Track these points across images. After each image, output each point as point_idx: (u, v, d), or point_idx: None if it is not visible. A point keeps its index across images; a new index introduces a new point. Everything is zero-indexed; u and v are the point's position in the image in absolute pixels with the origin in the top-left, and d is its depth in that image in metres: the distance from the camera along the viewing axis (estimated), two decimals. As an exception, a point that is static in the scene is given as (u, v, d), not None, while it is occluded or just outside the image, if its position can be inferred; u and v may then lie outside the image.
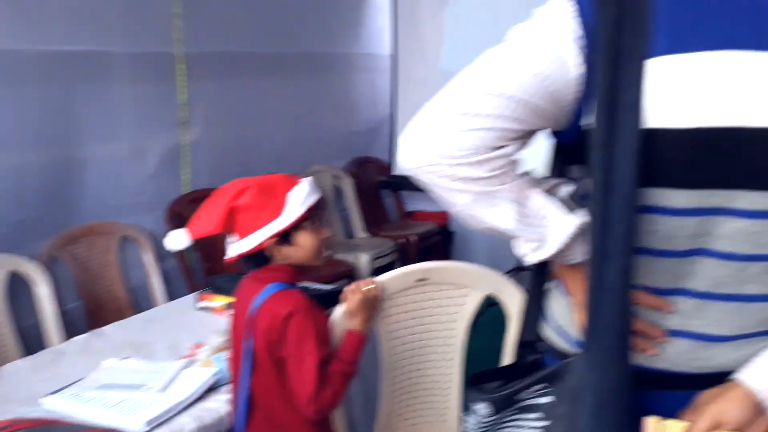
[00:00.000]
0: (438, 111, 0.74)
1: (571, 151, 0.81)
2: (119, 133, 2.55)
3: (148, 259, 2.61)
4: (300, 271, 1.36)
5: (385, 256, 3.37)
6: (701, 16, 0.67)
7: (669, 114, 0.67)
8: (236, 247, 1.31)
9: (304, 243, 1.32)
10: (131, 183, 2.64)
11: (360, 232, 3.69)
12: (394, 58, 3.99)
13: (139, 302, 2.59)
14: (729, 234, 0.71)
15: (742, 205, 0.70)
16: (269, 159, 3.20)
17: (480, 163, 0.72)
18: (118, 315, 2.25)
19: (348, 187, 3.71)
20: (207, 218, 1.32)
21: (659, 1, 0.68)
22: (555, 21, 0.72)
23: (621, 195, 0.68)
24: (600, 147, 0.68)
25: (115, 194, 2.56)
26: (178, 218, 2.59)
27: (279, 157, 3.26)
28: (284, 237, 1.31)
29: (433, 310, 1.50)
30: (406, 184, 4.02)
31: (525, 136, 0.75)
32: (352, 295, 1.33)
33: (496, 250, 4.18)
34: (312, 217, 1.34)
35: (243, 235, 1.30)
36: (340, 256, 3.22)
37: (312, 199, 1.34)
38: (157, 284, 2.61)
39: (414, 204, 4.18)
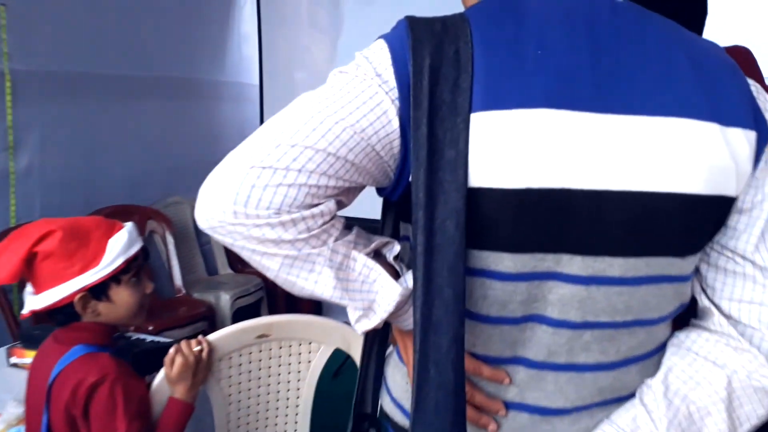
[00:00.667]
0: (238, 162, 0.63)
1: (400, 207, 0.74)
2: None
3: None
4: (111, 330, 1.18)
5: (249, 294, 3.18)
6: (518, 72, 0.63)
7: (493, 173, 0.62)
8: (33, 302, 1.11)
9: (121, 300, 1.15)
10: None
11: (223, 268, 3.47)
12: (261, 86, 3.86)
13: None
14: (560, 300, 0.67)
15: (571, 270, 0.66)
16: (119, 189, 2.92)
17: (289, 223, 0.62)
18: None
19: (211, 220, 3.48)
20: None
21: (476, 54, 0.63)
22: (372, 68, 0.65)
23: (446, 258, 0.62)
24: (421, 207, 0.62)
25: None
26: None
27: (131, 188, 2.99)
28: (97, 291, 1.12)
29: (277, 369, 1.37)
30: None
31: (345, 193, 0.66)
32: (177, 356, 1.17)
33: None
34: (132, 269, 1.17)
35: (42, 287, 1.10)
36: (199, 295, 2.99)
37: (133, 250, 1.17)
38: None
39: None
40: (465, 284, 0.63)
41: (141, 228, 2.96)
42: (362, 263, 0.68)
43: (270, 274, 0.68)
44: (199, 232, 3.42)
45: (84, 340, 1.12)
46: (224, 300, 3.01)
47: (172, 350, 1.18)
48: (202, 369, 1.20)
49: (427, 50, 0.62)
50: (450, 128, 0.62)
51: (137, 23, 2.98)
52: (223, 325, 3.13)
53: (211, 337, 1.26)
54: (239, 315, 3.06)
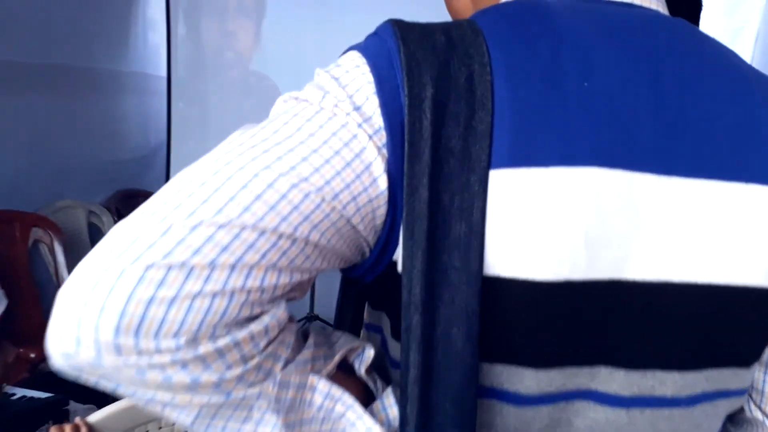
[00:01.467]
0: (124, 257, 0.39)
1: (373, 289, 0.55)
2: None
3: None
4: None
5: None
6: (559, 111, 0.45)
7: (519, 258, 0.44)
8: None
9: None
10: None
11: (122, 280, 3.12)
12: (169, 79, 3.52)
13: None
14: (590, 428, 0.50)
15: (610, 387, 0.49)
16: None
17: (213, 356, 0.40)
18: None
19: (109, 225, 3.12)
20: None
21: (497, 82, 0.44)
22: (348, 97, 0.44)
23: (451, 385, 0.44)
24: (416, 309, 0.43)
25: None
26: None
27: (10, 191, 2.60)
28: None
29: None
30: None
31: (299, 286, 0.45)
32: None
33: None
34: None
35: None
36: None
37: None
38: None
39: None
40: (476, 422, 0.45)
41: (24, 236, 2.58)
42: (324, 394, 0.47)
43: (179, 425, 0.45)
44: (94, 240, 3.06)
45: None
46: (123, 317, 2.69)
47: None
48: None
49: (428, 74, 0.43)
50: (460, 191, 0.43)
51: (22, 2, 2.59)
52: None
53: (93, 417, 1.02)
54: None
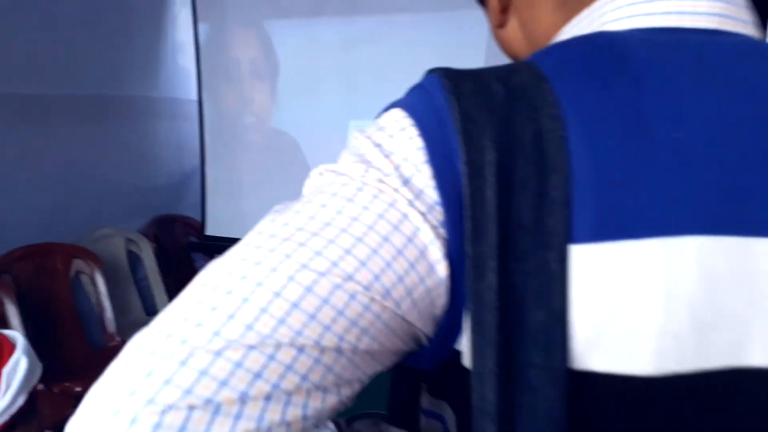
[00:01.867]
0: (130, 404, 0.31)
1: (431, 377, 0.45)
2: None
3: None
4: None
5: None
6: (649, 169, 0.36)
7: (611, 349, 0.36)
8: None
9: None
10: None
11: (162, 305, 3.08)
12: (200, 103, 3.51)
13: None
14: None
15: None
16: (32, 226, 2.51)
17: None
18: None
19: (147, 252, 3.10)
20: None
21: (572, 137, 0.36)
22: (394, 168, 0.36)
23: None
24: (489, 417, 0.35)
25: None
26: None
27: (48, 223, 2.59)
28: None
29: None
30: (223, 245, 3.49)
31: (347, 400, 0.37)
32: None
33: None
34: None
35: None
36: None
37: (35, 379, 0.80)
38: None
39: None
40: None
41: (66, 268, 2.56)
42: None
43: None
44: (134, 267, 3.04)
45: None
46: (166, 345, 2.64)
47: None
48: None
49: (487, 135, 0.35)
50: (536, 273, 0.35)
51: (52, 35, 2.60)
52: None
53: None
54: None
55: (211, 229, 3.49)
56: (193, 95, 3.60)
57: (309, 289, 0.33)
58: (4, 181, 2.42)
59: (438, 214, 0.36)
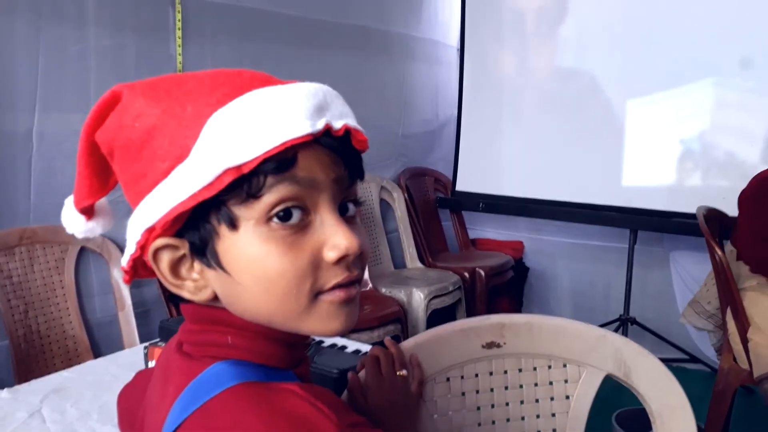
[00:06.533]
0: None
1: None
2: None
3: (118, 281, 1.85)
4: (279, 337, 0.48)
5: (446, 294, 2.52)
6: None
7: None
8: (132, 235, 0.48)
9: (244, 266, 0.44)
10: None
11: (413, 261, 2.85)
12: (461, 51, 3.18)
13: (98, 344, 1.83)
14: None
15: None
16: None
17: None
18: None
19: (399, 203, 2.89)
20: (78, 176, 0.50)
21: None
22: None
23: None
24: None
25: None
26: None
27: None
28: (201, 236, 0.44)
29: (517, 405, 0.68)
30: (470, 204, 3.23)
31: None
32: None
33: (584, 294, 3.31)
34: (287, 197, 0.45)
35: (134, 202, 0.47)
36: (387, 291, 2.40)
37: (314, 126, 0.45)
38: (125, 319, 1.83)
39: (480, 230, 3.33)
40: None
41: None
42: None
43: None
44: (384, 215, 2.86)
45: (224, 354, 0.46)
46: (418, 298, 2.37)
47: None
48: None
49: None
50: None
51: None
52: (416, 330, 2.52)
53: (409, 343, 0.64)
54: (434, 319, 2.41)
55: (462, 185, 3.18)
56: (453, 41, 3.33)
57: None
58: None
59: None
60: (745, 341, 1.69)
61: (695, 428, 0.71)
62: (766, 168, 1.79)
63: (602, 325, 2.91)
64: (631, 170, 2.72)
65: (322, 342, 0.92)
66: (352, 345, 0.94)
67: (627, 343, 0.74)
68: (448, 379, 0.70)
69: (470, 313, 2.69)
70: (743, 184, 1.82)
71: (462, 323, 0.72)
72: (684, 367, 2.60)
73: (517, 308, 3.13)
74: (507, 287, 2.99)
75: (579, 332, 0.75)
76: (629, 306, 2.75)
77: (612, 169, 2.75)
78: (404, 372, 0.63)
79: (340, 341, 0.96)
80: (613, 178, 2.75)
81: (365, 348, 0.95)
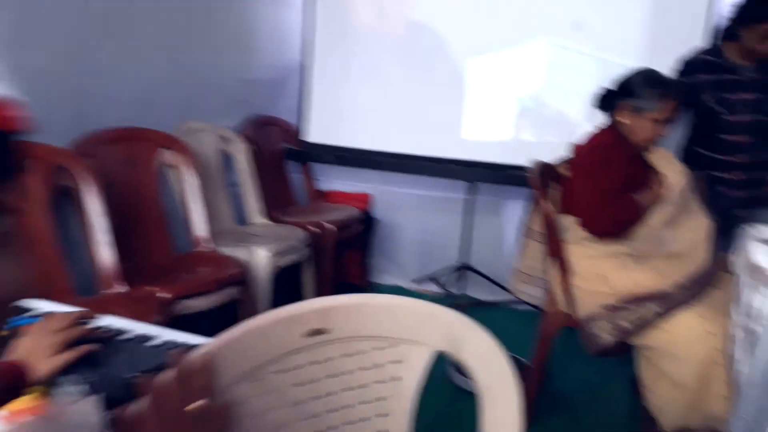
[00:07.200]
0: None
1: None
2: None
3: None
4: None
5: (292, 253, 2.43)
6: None
7: None
8: None
9: None
10: None
11: (257, 216, 2.72)
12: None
13: None
14: None
15: None
16: (118, 107, 2.14)
17: None
18: None
19: (241, 154, 2.71)
20: None
21: None
22: None
23: None
24: None
25: None
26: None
27: (135, 106, 2.21)
28: None
29: (341, 394, 0.65)
30: (319, 155, 3.13)
31: None
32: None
33: (428, 244, 3.42)
34: None
35: None
36: (227, 250, 2.25)
37: None
38: None
39: (329, 182, 3.26)
40: None
41: (149, 159, 2.20)
42: None
43: None
44: (226, 169, 2.67)
45: None
46: (261, 257, 2.26)
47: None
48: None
49: None
50: None
51: None
52: (260, 292, 2.42)
53: (216, 344, 0.57)
54: (281, 280, 2.33)
55: (311, 136, 3.06)
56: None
57: None
58: (94, 54, 2.03)
59: None
60: (567, 288, 1.82)
61: (518, 404, 0.71)
62: (595, 127, 1.90)
63: (442, 273, 3.04)
64: (471, 125, 2.80)
65: (119, 333, 0.78)
66: (161, 335, 0.80)
67: (457, 318, 0.71)
68: (263, 377, 0.61)
69: (319, 270, 2.64)
70: (571, 140, 1.93)
71: (283, 312, 0.63)
72: (516, 308, 2.81)
73: (365, 261, 3.15)
74: (356, 240, 2.98)
75: (409, 309, 0.70)
76: (469, 254, 2.89)
77: (454, 123, 2.81)
78: (201, 403, 0.51)
79: (143, 330, 0.81)
80: (455, 133, 2.81)
81: (182, 338, 0.80)
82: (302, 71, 3.07)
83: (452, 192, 2.96)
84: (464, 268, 2.90)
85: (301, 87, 3.09)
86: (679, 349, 1.57)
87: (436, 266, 3.05)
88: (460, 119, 2.80)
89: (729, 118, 2.01)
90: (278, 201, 2.87)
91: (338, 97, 3.03)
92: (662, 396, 1.61)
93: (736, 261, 1.59)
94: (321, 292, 2.65)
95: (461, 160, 2.76)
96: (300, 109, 3.11)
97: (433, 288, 3.05)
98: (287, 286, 2.65)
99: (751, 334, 1.38)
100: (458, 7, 2.76)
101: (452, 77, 2.78)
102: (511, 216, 2.94)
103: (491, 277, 2.90)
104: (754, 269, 1.42)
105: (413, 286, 3.14)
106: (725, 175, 1.93)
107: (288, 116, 3.15)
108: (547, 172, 1.93)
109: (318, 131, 3.07)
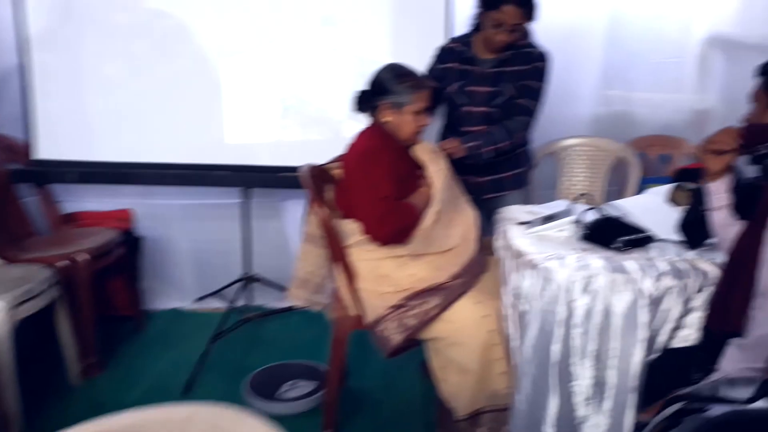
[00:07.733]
0: None
1: None
2: None
3: None
4: None
5: (34, 297, 2.01)
6: None
7: None
8: None
9: None
10: None
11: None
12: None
13: None
14: None
15: None
16: None
17: None
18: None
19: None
20: None
21: None
22: None
23: None
24: None
25: None
26: None
27: None
28: None
29: None
30: (58, 174, 2.65)
31: None
32: None
33: (206, 256, 3.13)
34: None
35: None
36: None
37: None
38: None
39: (77, 202, 2.79)
40: None
41: None
42: None
43: None
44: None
45: None
46: (-8, 313, 1.82)
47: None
48: None
49: None
50: None
51: None
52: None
53: None
54: (27, 333, 1.92)
55: (44, 152, 2.58)
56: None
57: None
58: None
59: None
60: (353, 292, 1.79)
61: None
62: (361, 128, 1.87)
63: (226, 287, 2.83)
64: (234, 129, 2.61)
65: None
66: None
67: (221, 413, 0.58)
68: None
69: (75, 311, 2.24)
70: (335, 138, 1.88)
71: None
72: (309, 312, 2.73)
73: (134, 288, 2.78)
74: (119, 265, 2.61)
75: (159, 423, 0.55)
76: (251, 262, 2.73)
77: (215, 128, 2.60)
78: None
79: None
80: (218, 137, 2.60)
81: None
82: (22, 74, 2.56)
83: (226, 198, 2.75)
84: (249, 279, 2.74)
85: (23, 94, 2.57)
86: (461, 336, 1.64)
87: (219, 280, 2.83)
88: (221, 123, 2.59)
89: (470, 108, 2.09)
90: (9, 235, 2.37)
91: (72, 103, 2.59)
92: (453, 384, 1.68)
93: (498, 245, 1.70)
94: (82, 336, 2.26)
95: (229, 165, 2.57)
96: (26, 120, 2.59)
97: (217, 305, 2.82)
98: (38, 338, 2.22)
99: (520, 313, 1.48)
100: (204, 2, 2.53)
101: (207, 79, 2.56)
102: (291, 218, 2.84)
103: (279, 283, 2.77)
104: (516, 254, 1.53)
105: (195, 307, 2.88)
106: (470, 162, 2.01)
107: (10, 130, 2.61)
108: (319, 174, 1.86)
109: (52, 146, 2.59)
